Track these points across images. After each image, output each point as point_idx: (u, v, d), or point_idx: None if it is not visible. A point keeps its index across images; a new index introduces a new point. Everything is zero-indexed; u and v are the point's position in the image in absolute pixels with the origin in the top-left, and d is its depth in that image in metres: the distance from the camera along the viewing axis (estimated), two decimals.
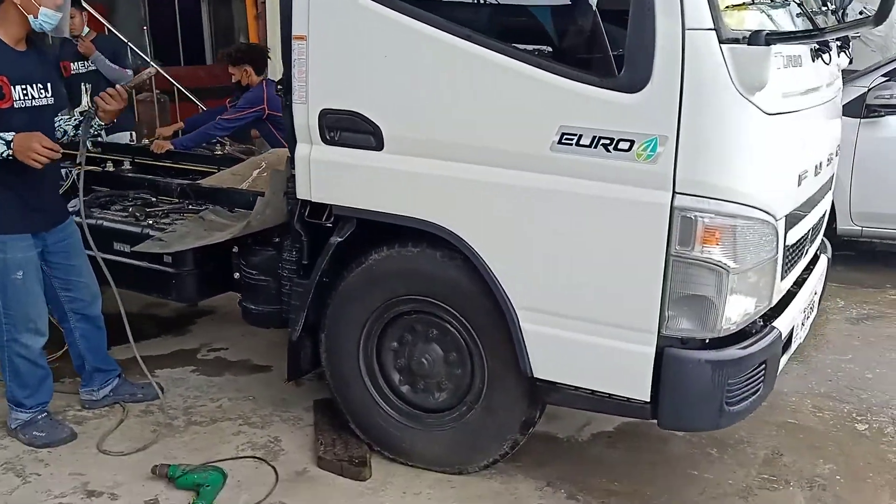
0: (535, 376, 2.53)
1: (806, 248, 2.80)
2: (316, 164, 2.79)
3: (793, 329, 2.66)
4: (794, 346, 2.76)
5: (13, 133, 2.75)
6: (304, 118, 2.77)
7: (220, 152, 4.79)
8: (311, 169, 2.80)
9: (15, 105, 2.83)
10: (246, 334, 4.26)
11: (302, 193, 2.86)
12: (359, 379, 2.93)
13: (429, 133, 2.55)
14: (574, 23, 2.34)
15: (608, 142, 2.23)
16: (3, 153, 2.74)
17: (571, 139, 2.28)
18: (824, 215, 3.07)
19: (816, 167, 2.64)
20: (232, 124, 4.74)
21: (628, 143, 2.20)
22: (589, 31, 2.27)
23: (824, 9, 2.75)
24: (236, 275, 3.34)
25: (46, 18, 2.78)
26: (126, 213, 3.66)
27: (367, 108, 2.63)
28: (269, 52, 5.23)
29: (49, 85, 2.97)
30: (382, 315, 2.86)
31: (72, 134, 3.13)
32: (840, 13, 3.21)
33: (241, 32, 14.24)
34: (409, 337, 2.87)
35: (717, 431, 3.09)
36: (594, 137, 2.25)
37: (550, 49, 2.36)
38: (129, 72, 5.40)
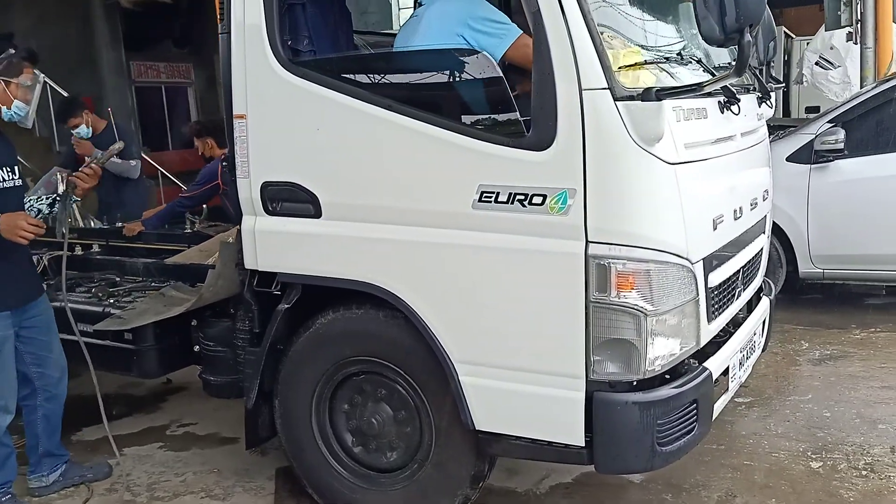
0: (477, 428, 2.58)
1: (737, 290, 2.89)
2: (260, 234, 2.91)
3: (727, 369, 2.73)
4: (732, 386, 2.82)
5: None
6: (248, 191, 2.91)
7: (189, 230, 4.92)
8: (257, 239, 2.93)
9: None
10: (218, 408, 4.29)
11: (249, 263, 2.97)
12: (312, 442, 2.98)
13: (362, 198, 2.68)
14: (485, 89, 2.49)
15: (523, 197, 2.35)
16: None
17: (490, 196, 2.41)
18: (757, 257, 3.16)
19: (735, 211, 2.75)
20: (191, 201, 4.89)
21: (541, 198, 2.33)
22: (498, 97, 2.42)
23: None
24: (196, 347, 3.42)
25: (17, 110, 3.01)
26: (89, 294, 3.77)
27: (304, 178, 2.77)
28: None
29: (15, 168, 3.13)
30: (332, 377, 2.92)
31: (46, 212, 3.25)
32: (765, 65, 3.41)
33: None
34: (358, 398, 2.93)
35: (673, 476, 3.13)
36: (510, 194, 2.37)
37: (466, 114, 2.51)
38: (134, 162, 5.55)
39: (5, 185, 3.06)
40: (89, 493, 3.37)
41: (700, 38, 2.06)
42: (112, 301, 3.65)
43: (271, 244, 2.91)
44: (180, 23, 14.00)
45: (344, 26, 3.20)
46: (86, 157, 4.34)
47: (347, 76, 2.69)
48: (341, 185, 2.72)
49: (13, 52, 2.97)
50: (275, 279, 2.98)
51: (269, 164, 2.86)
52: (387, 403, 2.86)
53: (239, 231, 3.07)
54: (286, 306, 2.92)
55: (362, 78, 2.68)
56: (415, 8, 3.25)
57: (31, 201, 3.24)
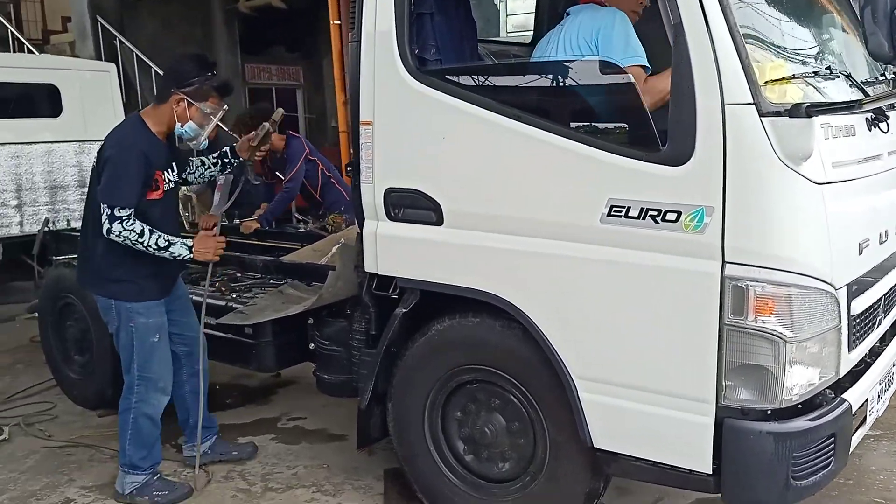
0: (595, 446, 2.53)
1: (878, 318, 2.71)
2: (381, 239, 2.96)
3: (866, 402, 2.56)
4: (869, 421, 2.65)
5: (190, 240, 3.12)
6: (371, 197, 2.96)
7: (303, 230, 5.08)
8: (378, 244, 2.98)
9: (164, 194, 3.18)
10: (326, 404, 4.41)
11: (369, 267, 3.03)
12: (424, 447, 3.00)
13: (485, 207, 2.68)
14: (618, 101, 2.44)
15: (656, 213, 2.29)
16: (184, 256, 3.09)
17: (620, 211, 2.35)
18: None
19: (881, 235, 2.59)
20: (294, 182, 5.14)
21: (675, 215, 2.25)
22: (633, 109, 2.36)
23: (882, 78, 2.74)
24: (311, 345, 3.53)
25: (188, 129, 3.15)
26: (213, 288, 3.93)
27: (428, 186, 2.80)
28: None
29: (175, 166, 3.29)
30: (446, 384, 2.94)
31: (210, 172, 3.43)
32: None
33: (332, 117, 15.12)
34: (472, 406, 2.93)
35: None
36: (642, 209, 2.31)
37: (598, 126, 2.46)
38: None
39: (170, 185, 3.24)
40: (208, 477, 3.52)
41: (866, 53, 1.94)
42: (234, 296, 3.80)
43: (392, 249, 2.95)
44: (292, 28, 14.49)
45: (469, 35, 3.21)
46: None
47: (476, 86, 2.69)
48: (465, 193, 2.72)
49: (211, 76, 3.11)
50: (393, 283, 3.02)
51: (393, 170, 2.90)
52: (500, 413, 2.85)
53: (359, 234, 3.14)
54: (403, 311, 2.96)
55: (491, 88, 2.68)
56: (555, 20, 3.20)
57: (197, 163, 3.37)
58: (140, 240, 3.00)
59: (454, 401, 2.96)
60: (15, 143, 6.58)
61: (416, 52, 2.85)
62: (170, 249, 3.06)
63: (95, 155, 3.22)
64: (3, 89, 6.93)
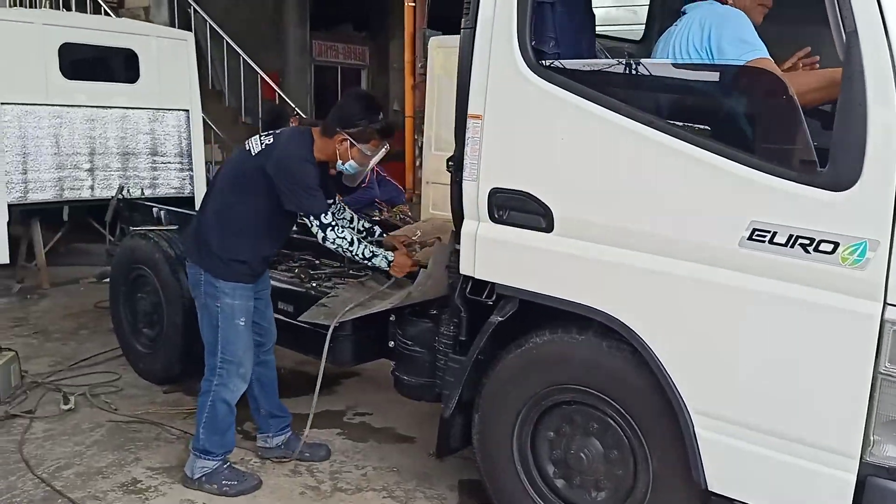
0: (709, 490, 2.32)
1: None
2: (482, 241, 2.78)
3: None
4: None
5: (390, 253, 3.23)
6: (474, 195, 2.78)
7: (377, 218, 4.94)
8: (477, 246, 2.80)
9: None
10: (391, 401, 4.25)
11: (465, 269, 2.85)
12: (511, 465, 2.83)
13: (603, 218, 2.48)
14: (771, 112, 2.20)
15: (807, 242, 2.05)
16: (381, 268, 3.23)
17: (764, 236, 2.13)
18: None
19: None
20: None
21: (831, 246, 2.02)
22: (788, 123, 2.13)
23: None
24: (391, 343, 3.38)
25: (349, 167, 3.16)
26: (291, 274, 3.82)
27: (539, 189, 2.60)
28: None
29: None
30: (540, 401, 2.76)
31: (349, 230, 3.36)
32: None
33: (396, 100, 14.97)
34: (567, 428, 2.74)
35: None
36: (791, 236, 2.08)
37: (744, 140, 2.23)
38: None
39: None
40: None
41: None
42: (314, 284, 3.67)
43: (492, 253, 2.77)
44: (361, 6, 14.36)
45: (588, 28, 2.99)
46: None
47: (604, 85, 2.48)
48: (581, 200, 2.52)
49: (380, 119, 3.12)
50: (488, 288, 2.85)
51: (501, 169, 2.71)
52: (598, 439, 2.66)
53: (453, 233, 2.97)
54: (499, 319, 2.78)
55: (621, 88, 2.46)
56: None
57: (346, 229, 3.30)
58: (350, 248, 3.14)
59: (547, 420, 2.78)
60: (91, 107, 6.58)
61: (534, 43, 2.65)
62: (373, 260, 3.20)
63: (237, 152, 3.25)
64: (81, 51, 6.94)
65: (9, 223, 6.10)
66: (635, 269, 2.40)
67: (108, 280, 5.36)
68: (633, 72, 2.63)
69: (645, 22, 3.70)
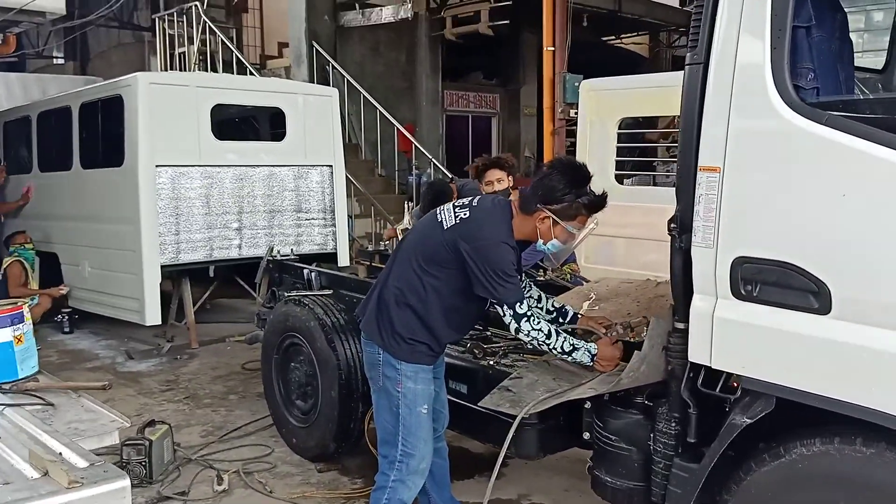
0: None
1: None
2: (722, 323, 2.24)
3: None
4: None
5: (593, 346, 2.79)
6: (710, 266, 2.25)
7: (542, 278, 4.47)
8: (715, 328, 2.26)
9: None
10: (569, 489, 3.77)
11: (697, 356, 2.32)
12: None
13: None
14: None
15: None
16: (584, 364, 2.80)
17: None
18: None
19: None
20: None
21: None
22: None
23: None
24: (586, 434, 2.87)
25: (551, 246, 2.78)
26: (462, 349, 3.40)
27: (809, 260, 2.04)
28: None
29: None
30: None
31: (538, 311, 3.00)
32: None
33: (527, 146, 14.67)
34: None
35: None
36: None
37: None
38: None
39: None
40: None
41: None
42: (490, 362, 3.23)
43: (737, 338, 2.22)
44: (492, 55, 14.26)
45: (847, 57, 2.44)
46: None
47: None
48: (874, 276, 1.94)
49: (587, 192, 2.72)
50: (722, 379, 2.29)
51: (750, 234, 2.18)
52: None
53: (673, 309, 2.45)
54: (748, 422, 2.21)
55: None
56: None
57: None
58: (547, 341, 2.75)
59: None
60: (240, 166, 6.58)
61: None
62: (573, 355, 2.78)
63: (432, 223, 2.85)
64: (229, 111, 7.02)
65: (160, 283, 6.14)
66: None
67: (257, 343, 5.19)
68: None
69: (888, 49, 3.07)
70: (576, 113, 9.52)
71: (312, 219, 7.07)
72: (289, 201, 6.90)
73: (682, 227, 2.36)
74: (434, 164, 10.49)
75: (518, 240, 2.78)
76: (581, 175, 2.73)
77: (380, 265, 5.35)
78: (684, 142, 2.37)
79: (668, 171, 6.95)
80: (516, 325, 2.74)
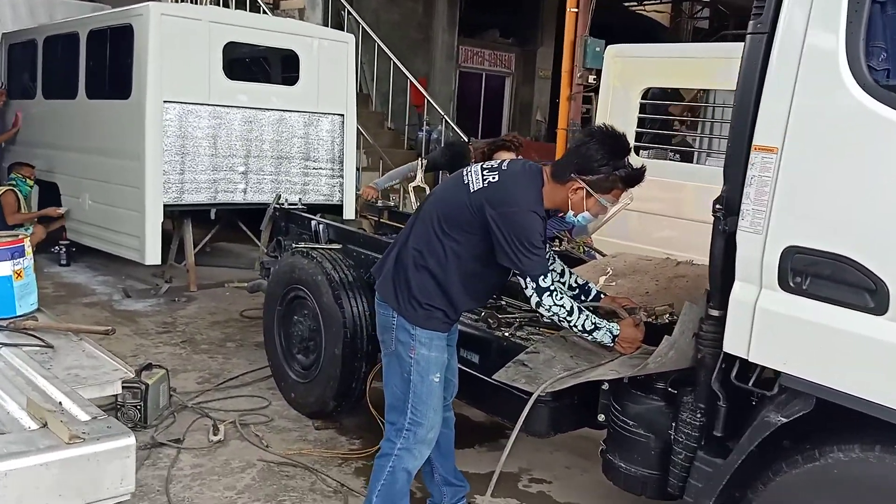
0: None
1: None
2: (765, 314, 2.11)
3: None
4: None
5: (615, 326, 2.67)
6: (757, 252, 2.12)
7: (557, 249, 4.34)
8: (756, 319, 2.13)
9: None
10: (571, 466, 3.69)
11: (733, 347, 2.20)
12: None
13: None
14: None
15: None
16: (604, 343, 2.68)
17: None
18: None
19: None
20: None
21: None
22: None
23: None
24: (601, 416, 2.77)
25: (581, 219, 2.65)
26: (476, 317, 3.28)
27: (869, 256, 1.91)
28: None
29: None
30: None
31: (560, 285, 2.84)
32: None
33: (540, 110, 14.40)
34: None
35: None
36: None
37: None
38: None
39: None
40: None
41: None
42: (505, 333, 3.11)
43: (780, 332, 2.10)
44: (511, 13, 13.90)
45: None
46: None
47: None
48: None
49: (626, 165, 2.55)
50: (755, 373, 2.19)
51: (805, 221, 2.04)
52: None
53: (708, 294, 2.33)
54: (783, 421, 2.10)
55: None
56: None
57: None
58: (568, 318, 2.62)
59: None
60: (249, 108, 6.38)
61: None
62: (594, 334, 2.66)
63: (460, 184, 2.67)
64: (241, 51, 6.78)
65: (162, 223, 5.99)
66: None
67: (258, 292, 5.07)
68: None
69: None
70: (595, 79, 9.31)
71: (320, 168, 6.89)
72: (297, 148, 6.71)
73: (727, 208, 2.22)
74: (446, 120, 10.25)
75: (546, 208, 2.64)
76: (620, 146, 2.57)
77: (388, 222, 5.21)
78: (738, 118, 2.22)
79: (690, 146, 6.76)
80: (538, 299, 2.61)
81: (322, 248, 4.14)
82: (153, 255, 5.91)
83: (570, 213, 2.64)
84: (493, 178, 2.62)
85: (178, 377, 4.45)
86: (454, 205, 2.66)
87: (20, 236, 2.44)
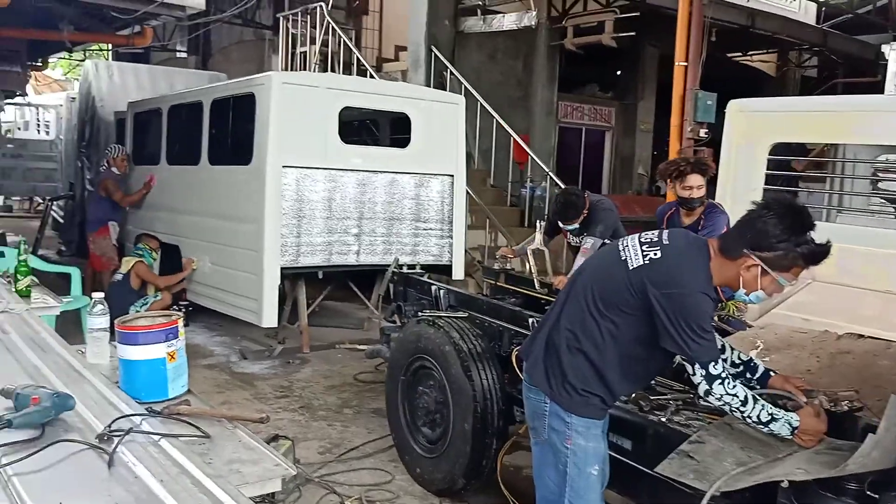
0: None
1: None
2: None
3: None
4: None
5: (794, 418, 2.42)
6: None
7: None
8: None
9: None
10: None
11: None
12: None
13: None
14: None
15: None
16: (784, 435, 2.43)
17: None
18: None
19: None
20: None
21: None
22: None
23: None
24: None
25: (754, 299, 2.42)
26: (626, 398, 3.04)
27: None
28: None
29: None
30: None
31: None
32: None
33: (641, 164, 14.09)
34: None
35: None
36: None
37: None
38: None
39: None
40: None
41: None
42: (662, 419, 2.87)
43: None
44: (610, 67, 13.78)
45: None
46: None
47: None
48: None
49: (808, 241, 2.31)
50: None
51: None
52: None
53: None
54: None
55: None
56: None
57: None
58: (742, 409, 2.40)
59: None
60: (363, 171, 6.44)
61: None
62: (770, 426, 2.42)
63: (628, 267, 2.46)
64: (353, 114, 6.89)
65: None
66: None
67: (376, 358, 5.00)
68: None
69: None
70: (706, 133, 9.03)
71: (430, 229, 6.85)
72: (408, 209, 6.70)
73: None
74: (550, 176, 10.12)
75: (717, 287, 2.43)
76: (802, 220, 2.33)
77: (504, 285, 5.07)
78: None
79: (826, 203, 6.35)
80: (707, 387, 2.38)
81: (448, 317, 4.03)
82: (270, 318, 5.95)
83: (742, 290, 2.41)
84: (655, 254, 2.43)
85: (299, 445, 4.37)
86: (610, 282, 2.48)
87: (174, 318, 2.41)
